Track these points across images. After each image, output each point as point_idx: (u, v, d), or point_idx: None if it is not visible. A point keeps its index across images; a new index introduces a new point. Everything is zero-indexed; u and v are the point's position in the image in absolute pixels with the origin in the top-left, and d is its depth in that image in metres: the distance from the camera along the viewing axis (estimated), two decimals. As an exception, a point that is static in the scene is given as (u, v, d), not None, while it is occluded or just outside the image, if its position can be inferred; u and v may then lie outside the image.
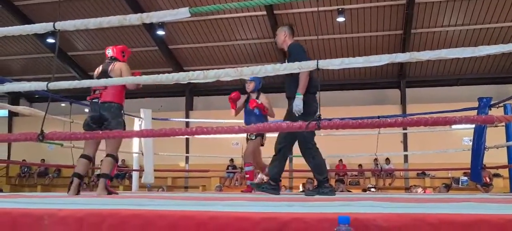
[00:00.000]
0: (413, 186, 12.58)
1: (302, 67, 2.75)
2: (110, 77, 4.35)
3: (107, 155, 4.41)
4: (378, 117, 4.67)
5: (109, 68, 4.46)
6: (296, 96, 4.01)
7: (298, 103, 3.99)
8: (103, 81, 3.89)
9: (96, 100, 4.38)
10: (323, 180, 4.18)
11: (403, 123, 2.71)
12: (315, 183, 4.43)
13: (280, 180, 4.41)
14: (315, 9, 13.75)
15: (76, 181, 4.21)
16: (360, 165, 15.40)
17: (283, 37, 4.42)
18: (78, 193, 4.22)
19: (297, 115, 3.97)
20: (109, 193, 4.30)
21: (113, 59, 4.61)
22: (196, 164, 16.16)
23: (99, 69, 4.58)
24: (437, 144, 11.97)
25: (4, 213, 1.79)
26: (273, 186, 4.27)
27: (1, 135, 3.78)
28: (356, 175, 15.99)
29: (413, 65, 15.91)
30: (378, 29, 14.57)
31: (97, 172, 17.12)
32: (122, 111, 4.51)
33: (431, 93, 16.36)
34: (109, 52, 4.68)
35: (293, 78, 4.07)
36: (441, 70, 16.23)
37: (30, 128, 3.64)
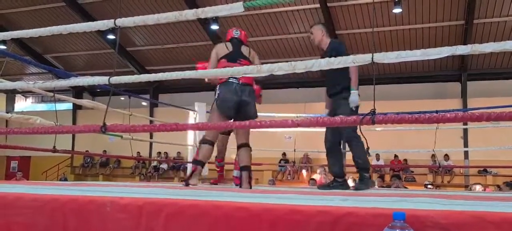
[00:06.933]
0: (472, 184, 12.03)
1: (357, 61, 2.69)
2: (249, 60, 4.27)
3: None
4: (437, 111, 4.51)
5: (249, 54, 4.35)
6: (351, 91, 4.04)
7: (355, 99, 4.02)
8: (167, 75, 3.77)
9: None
10: (366, 170, 4.10)
11: (464, 118, 2.59)
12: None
13: (345, 175, 4.36)
14: (370, 0, 13.39)
15: (199, 168, 4.14)
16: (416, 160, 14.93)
17: (321, 36, 4.48)
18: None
19: (354, 110, 4.00)
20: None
21: (241, 42, 4.46)
22: (249, 157, 16.31)
23: (226, 48, 4.29)
24: (500, 140, 11.36)
25: (71, 199, 1.91)
26: (340, 182, 4.21)
27: (67, 126, 4.00)
28: (412, 171, 15.53)
29: (475, 57, 15.14)
30: (438, 19, 13.96)
31: (154, 164, 17.83)
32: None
33: (495, 87, 15.50)
34: (237, 33, 4.52)
35: (337, 74, 4.04)
36: (506, 62, 15.34)
37: (92, 120, 3.83)
